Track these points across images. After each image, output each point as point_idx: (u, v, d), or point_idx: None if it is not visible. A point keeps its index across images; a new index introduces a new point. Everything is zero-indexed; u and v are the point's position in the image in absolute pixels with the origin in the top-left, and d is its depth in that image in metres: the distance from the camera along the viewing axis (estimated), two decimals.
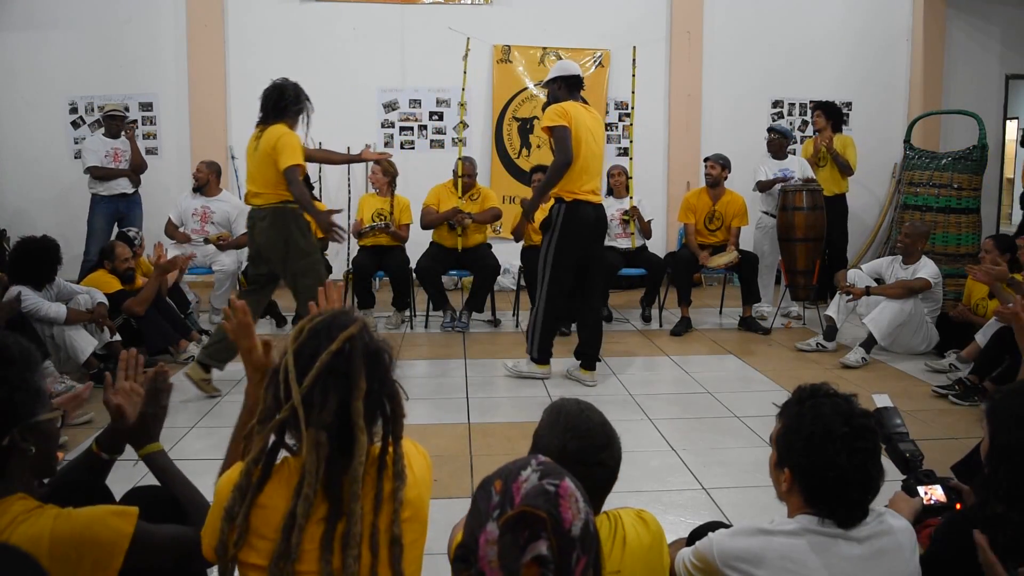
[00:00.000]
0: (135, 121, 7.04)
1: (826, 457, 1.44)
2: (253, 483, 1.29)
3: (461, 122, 6.74)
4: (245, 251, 6.20)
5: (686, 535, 1.91)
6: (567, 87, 4.29)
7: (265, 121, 4.04)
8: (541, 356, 4.48)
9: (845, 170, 6.23)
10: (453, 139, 7.65)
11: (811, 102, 6.67)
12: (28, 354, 1.39)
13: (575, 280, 4.37)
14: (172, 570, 1.47)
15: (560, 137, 4.13)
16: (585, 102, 4.38)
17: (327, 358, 1.27)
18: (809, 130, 8.05)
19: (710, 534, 1.59)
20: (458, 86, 7.41)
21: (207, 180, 6.02)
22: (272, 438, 1.31)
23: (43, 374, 1.44)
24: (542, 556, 0.97)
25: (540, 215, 5.00)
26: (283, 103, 4.03)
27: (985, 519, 1.56)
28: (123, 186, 6.29)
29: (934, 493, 1.86)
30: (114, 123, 6.25)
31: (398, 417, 1.35)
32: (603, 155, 4.45)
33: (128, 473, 2.15)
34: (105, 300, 4.48)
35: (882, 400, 2.10)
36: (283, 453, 1.34)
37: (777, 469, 1.56)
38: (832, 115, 6.43)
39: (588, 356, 4.48)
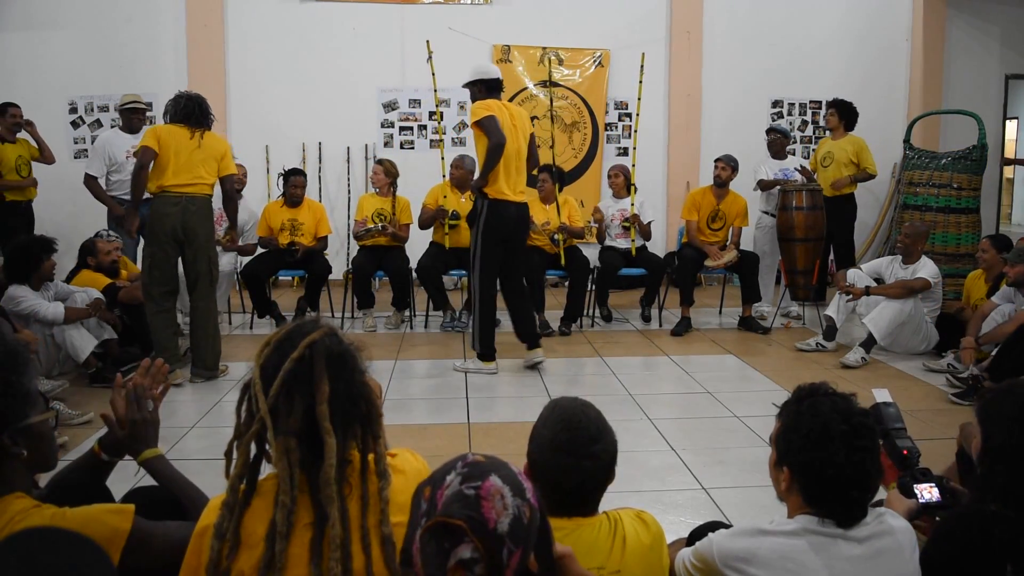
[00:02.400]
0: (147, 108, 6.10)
1: (824, 455, 1.44)
2: (240, 498, 1.29)
3: (439, 125, 6.72)
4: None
5: (686, 535, 1.91)
6: (487, 89, 4.49)
7: (200, 124, 4.37)
8: (484, 350, 4.63)
9: (868, 179, 6.30)
10: (453, 139, 7.66)
11: (832, 99, 6.58)
12: (15, 356, 1.37)
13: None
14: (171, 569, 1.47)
15: (489, 128, 4.30)
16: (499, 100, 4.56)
17: (290, 365, 1.28)
18: (809, 130, 8.07)
19: (710, 534, 1.59)
20: (457, 86, 7.42)
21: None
22: (253, 452, 1.31)
23: (32, 375, 1.42)
24: (465, 559, 0.99)
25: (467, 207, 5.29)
26: (206, 113, 4.42)
27: (981, 518, 1.56)
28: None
29: (930, 492, 1.86)
30: (134, 116, 5.73)
31: (373, 417, 1.35)
32: (523, 155, 4.56)
33: (129, 474, 2.15)
34: (102, 296, 4.48)
35: (882, 395, 2.10)
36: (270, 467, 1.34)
37: (776, 468, 1.55)
38: (845, 114, 6.37)
39: (528, 335, 4.70)
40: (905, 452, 1.95)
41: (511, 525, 1.02)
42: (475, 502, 1.02)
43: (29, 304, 4.08)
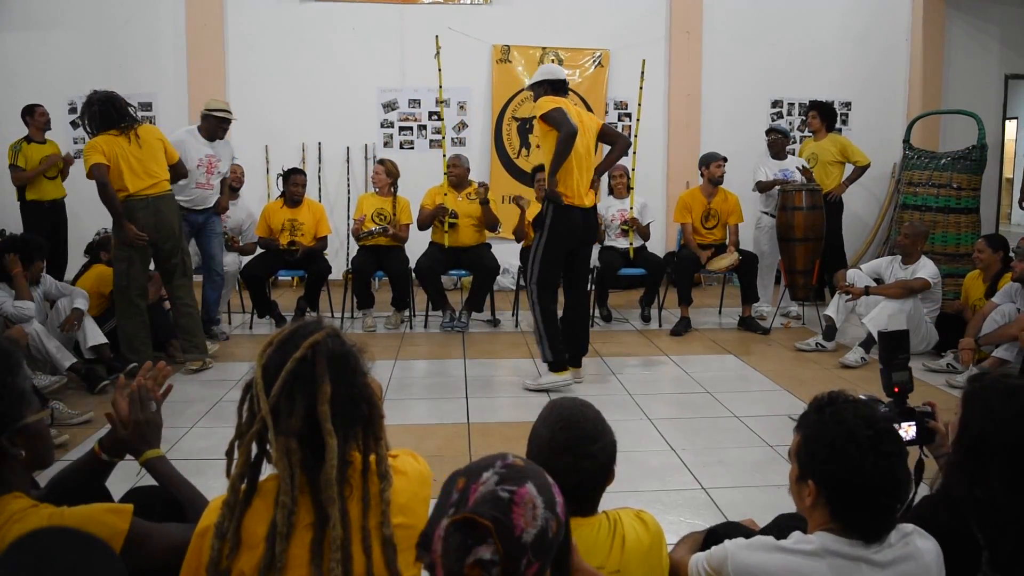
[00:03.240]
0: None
1: (852, 463, 1.38)
2: (240, 498, 1.29)
3: (440, 118, 6.71)
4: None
5: (686, 534, 1.90)
6: (552, 90, 4.27)
7: (125, 124, 4.35)
8: (556, 359, 4.33)
9: (863, 172, 6.42)
10: (453, 139, 7.66)
11: (809, 102, 6.72)
12: (8, 356, 1.37)
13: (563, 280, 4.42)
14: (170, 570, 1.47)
15: (559, 119, 4.05)
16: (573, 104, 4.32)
17: (292, 365, 1.28)
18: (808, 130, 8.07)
19: (726, 543, 1.53)
20: (457, 86, 7.45)
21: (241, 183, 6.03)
22: (254, 451, 1.31)
23: (26, 374, 1.42)
24: (484, 560, 0.98)
25: (531, 213, 5.06)
26: (123, 110, 4.42)
27: (951, 501, 1.58)
28: (210, 199, 5.31)
29: (906, 431, 1.88)
30: (221, 127, 5.26)
31: (375, 419, 1.35)
32: (592, 155, 4.35)
33: (129, 473, 2.15)
34: (82, 306, 4.43)
35: (897, 323, 2.11)
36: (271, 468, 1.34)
37: (799, 483, 1.48)
38: (827, 115, 6.47)
39: (573, 353, 4.47)
40: (896, 389, 1.94)
41: (536, 537, 1.01)
42: (507, 506, 1.01)
43: (3, 303, 4.09)
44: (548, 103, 4.11)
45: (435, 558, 1.02)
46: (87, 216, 6.50)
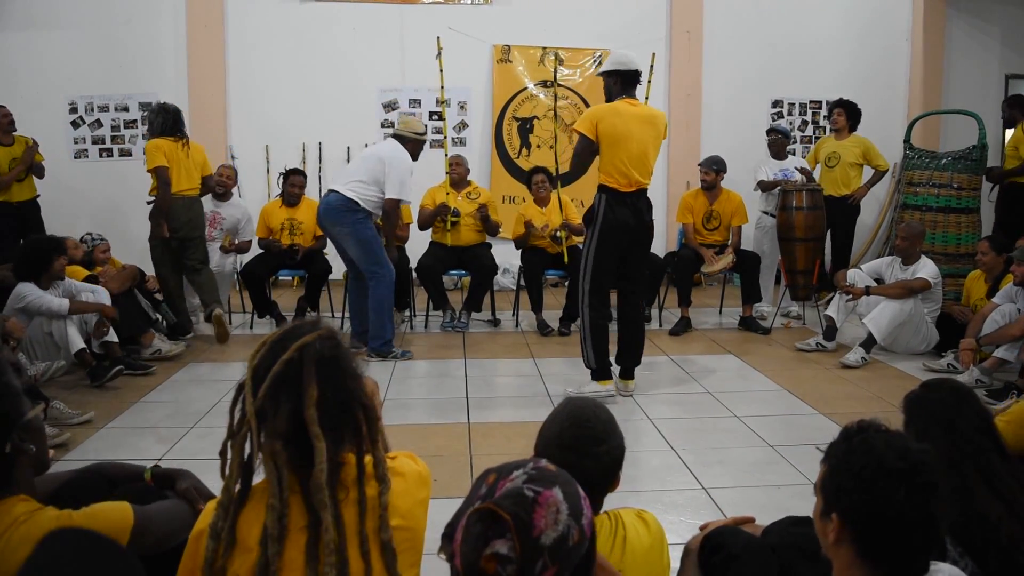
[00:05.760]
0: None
1: (881, 495, 1.26)
2: (234, 498, 1.29)
3: (442, 117, 6.71)
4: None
5: (686, 535, 1.90)
6: (622, 83, 4.00)
7: (182, 135, 5.19)
8: (599, 367, 4.07)
9: (881, 177, 6.42)
10: (453, 139, 7.66)
11: (837, 99, 6.64)
12: None
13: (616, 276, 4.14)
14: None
15: (579, 150, 4.01)
16: (634, 97, 4.09)
17: (279, 367, 1.28)
18: (809, 130, 8.07)
19: None
20: (457, 86, 7.45)
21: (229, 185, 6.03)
22: (246, 452, 1.31)
23: (13, 371, 1.44)
24: (500, 555, 0.99)
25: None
26: (182, 123, 5.28)
27: None
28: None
29: None
30: (420, 149, 5.09)
31: (371, 421, 1.34)
32: (652, 153, 4.05)
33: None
34: (110, 305, 4.45)
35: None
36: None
37: (823, 518, 1.34)
38: (852, 115, 6.41)
39: (626, 365, 4.23)
40: None
41: (555, 541, 1.01)
42: (530, 505, 1.02)
43: (35, 298, 4.12)
44: (583, 122, 3.97)
45: (455, 547, 1.03)
46: (56, 219, 6.43)
